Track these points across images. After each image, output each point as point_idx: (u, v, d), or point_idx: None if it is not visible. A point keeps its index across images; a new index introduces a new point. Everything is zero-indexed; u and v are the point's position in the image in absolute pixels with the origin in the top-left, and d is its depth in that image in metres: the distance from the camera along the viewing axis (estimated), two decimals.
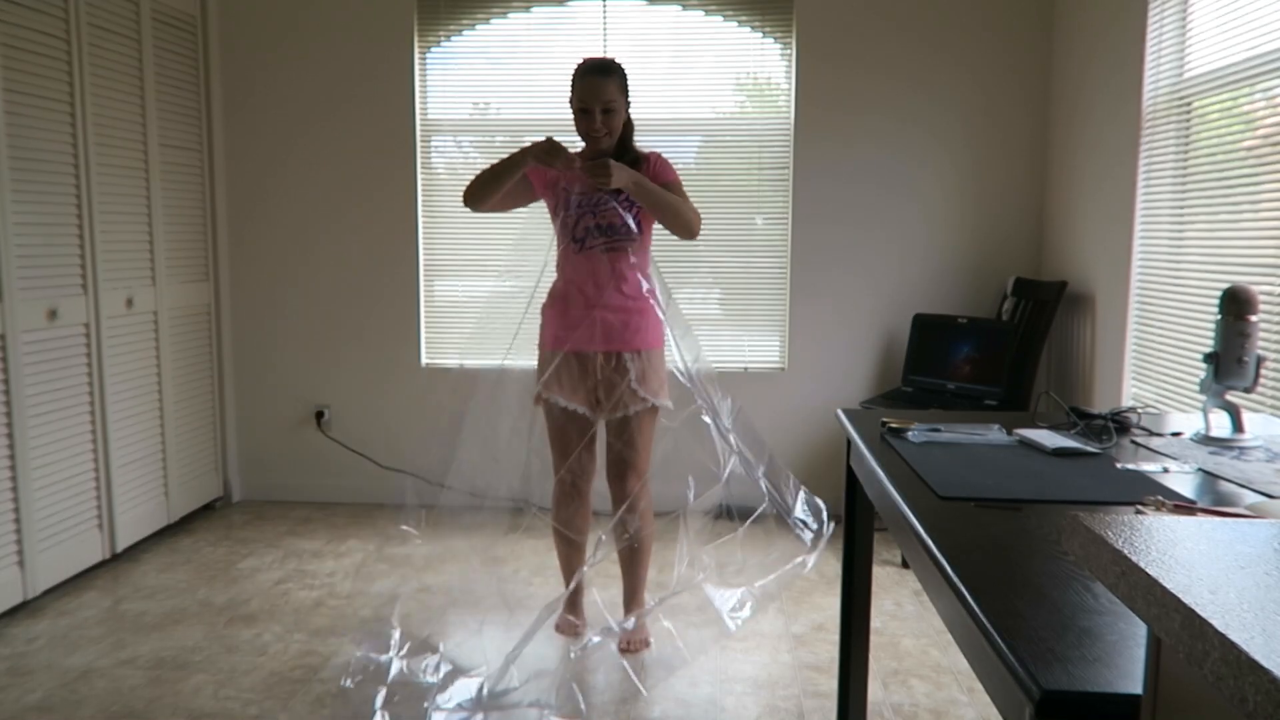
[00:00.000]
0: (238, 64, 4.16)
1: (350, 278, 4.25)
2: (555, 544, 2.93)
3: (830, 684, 2.60)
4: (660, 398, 2.74)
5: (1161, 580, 0.65)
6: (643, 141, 2.85)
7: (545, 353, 2.80)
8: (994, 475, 1.55)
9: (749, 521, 2.63)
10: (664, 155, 2.76)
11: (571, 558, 2.91)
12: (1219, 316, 1.79)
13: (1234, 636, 0.55)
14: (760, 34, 4.03)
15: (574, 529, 2.89)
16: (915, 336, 3.91)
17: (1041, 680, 0.85)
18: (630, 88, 2.71)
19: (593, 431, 2.82)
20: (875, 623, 2.94)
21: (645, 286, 2.71)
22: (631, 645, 2.82)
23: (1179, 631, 0.61)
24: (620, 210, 2.66)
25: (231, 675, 2.64)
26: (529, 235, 3.01)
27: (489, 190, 2.69)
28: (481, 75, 4.15)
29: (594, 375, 2.74)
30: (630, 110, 2.73)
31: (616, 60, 2.73)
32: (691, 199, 2.73)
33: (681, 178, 2.78)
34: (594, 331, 2.70)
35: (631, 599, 2.89)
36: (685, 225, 2.65)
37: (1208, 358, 1.81)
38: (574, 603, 2.94)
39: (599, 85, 2.63)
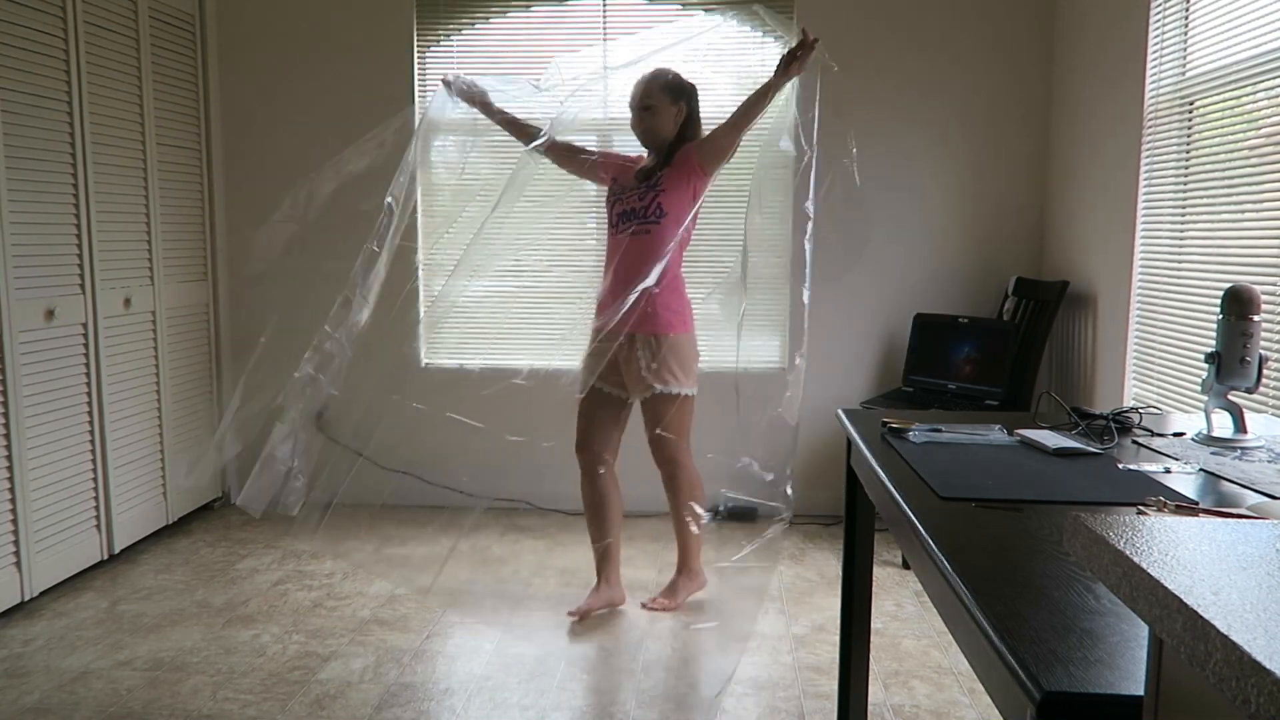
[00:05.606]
0: (236, 63, 4.15)
1: (349, 277, 4.22)
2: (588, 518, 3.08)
3: (831, 685, 2.60)
4: (671, 385, 2.78)
5: (1164, 581, 0.64)
6: None
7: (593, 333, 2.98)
8: (995, 476, 1.54)
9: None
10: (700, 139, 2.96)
11: (595, 529, 3.06)
12: (1221, 316, 1.78)
13: (1236, 638, 0.55)
14: (760, 33, 4.02)
15: (592, 505, 3.02)
16: (916, 336, 3.90)
17: (1043, 681, 0.85)
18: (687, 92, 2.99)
19: (624, 411, 2.95)
20: (876, 624, 2.93)
21: (666, 272, 2.79)
22: (654, 601, 2.92)
23: (1181, 633, 0.61)
24: (643, 195, 2.85)
25: (230, 676, 2.63)
26: (522, 234, 3.06)
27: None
28: (481, 74, 4.13)
29: (620, 356, 2.87)
30: (687, 115, 3.01)
31: (673, 71, 3.00)
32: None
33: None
34: (619, 313, 2.83)
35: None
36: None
37: (1210, 358, 1.80)
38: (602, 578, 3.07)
39: (640, 85, 2.95)
